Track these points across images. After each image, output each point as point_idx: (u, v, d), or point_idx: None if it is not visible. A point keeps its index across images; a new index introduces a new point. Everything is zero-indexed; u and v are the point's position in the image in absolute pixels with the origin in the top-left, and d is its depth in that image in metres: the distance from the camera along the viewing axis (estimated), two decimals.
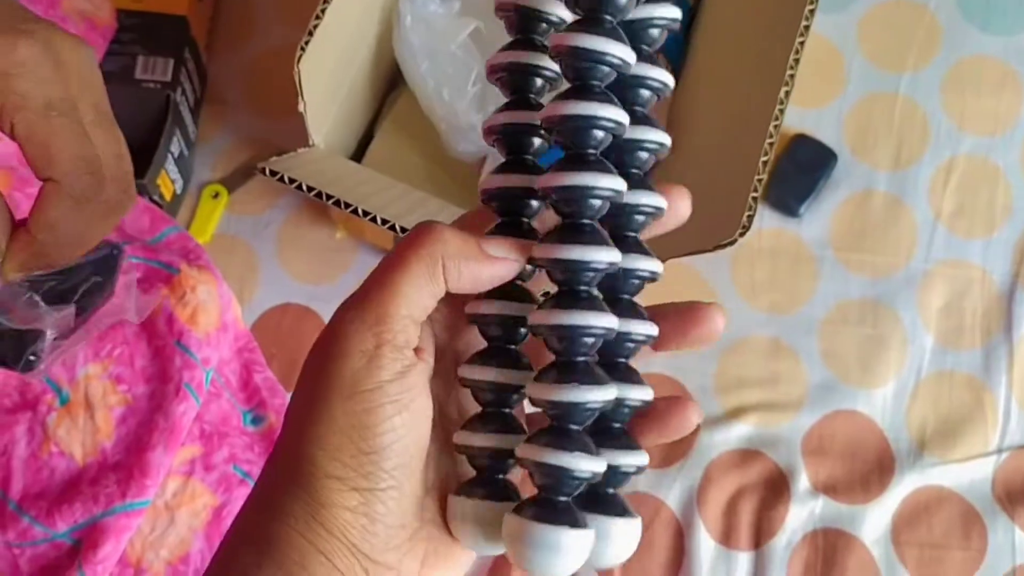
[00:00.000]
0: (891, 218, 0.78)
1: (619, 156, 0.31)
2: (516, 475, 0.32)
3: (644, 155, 0.32)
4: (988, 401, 0.73)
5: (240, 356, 0.68)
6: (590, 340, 0.29)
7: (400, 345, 0.28)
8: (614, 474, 0.30)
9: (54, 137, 0.40)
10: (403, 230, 0.55)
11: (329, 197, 0.55)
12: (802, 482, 0.70)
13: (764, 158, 0.55)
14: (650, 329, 0.31)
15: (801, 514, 0.69)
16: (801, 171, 0.78)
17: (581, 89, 0.29)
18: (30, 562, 0.58)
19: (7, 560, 0.58)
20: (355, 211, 0.55)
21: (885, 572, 0.68)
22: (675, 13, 0.31)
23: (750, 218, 0.54)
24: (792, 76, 0.57)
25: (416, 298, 0.29)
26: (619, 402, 0.30)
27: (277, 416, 0.66)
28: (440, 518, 0.31)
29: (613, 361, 0.31)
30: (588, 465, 0.28)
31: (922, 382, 0.73)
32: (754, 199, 0.55)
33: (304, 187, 0.56)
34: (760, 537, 0.69)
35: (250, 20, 0.84)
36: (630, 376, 0.31)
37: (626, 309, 0.31)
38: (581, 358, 0.29)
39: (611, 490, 0.30)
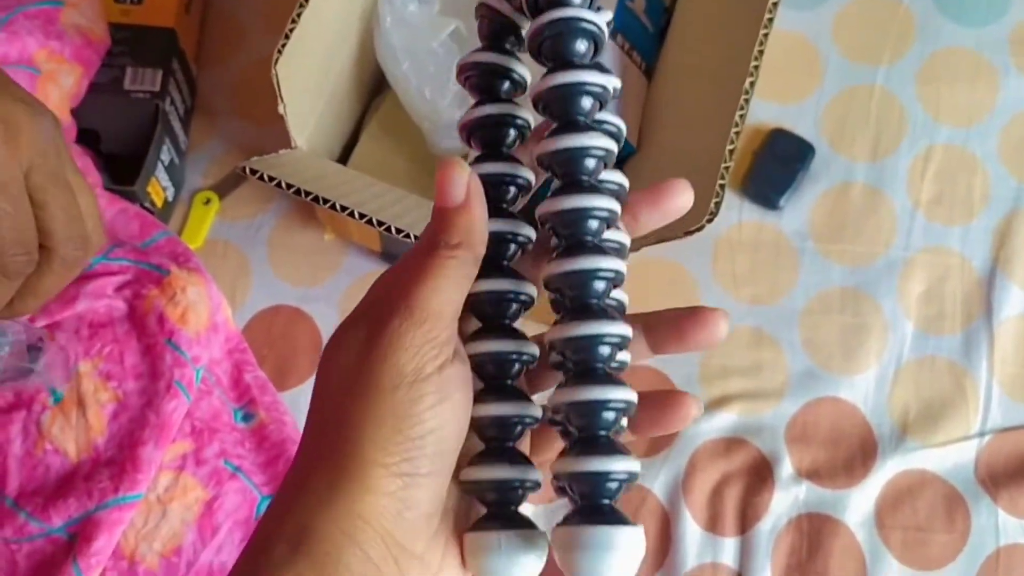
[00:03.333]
0: (870, 208, 0.79)
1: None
2: (525, 508, 0.33)
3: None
4: (969, 385, 0.74)
5: (231, 356, 0.70)
6: (607, 350, 0.30)
7: (443, 342, 0.30)
8: (608, 483, 0.30)
9: (44, 210, 0.44)
10: (380, 223, 0.56)
11: (308, 194, 0.57)
12: (786, 468, 0.71)
13: (730, 146, 0.57)
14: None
15: (786, 500, 0.70)
16: (780, 164, 0.79)
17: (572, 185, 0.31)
18: (27, 557, 0.60)
19: (5, 556, 0.60)
20: (333, 207, 0.57)
21: (870, 555, 0.69)
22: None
23: (717, 204, 0.55)
24: (756, 67, 0.59)
25: (456, 294, 0.31)
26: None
27: (267, 413, 0.67)
28: (455, 512, 0.32)
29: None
30: (625, 466, 0.29)
31: (903, 368, 0.74)
32: (721, 186, 0.56)
33: (283, 185, 0.58)
34: (745, 523, 0.70)
35: (238, 31, 0.86)
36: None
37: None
38: (600, 365, 0.30)
39: (607, 501, 0.30)
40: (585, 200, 0.30)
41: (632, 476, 0.30)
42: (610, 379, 0.30)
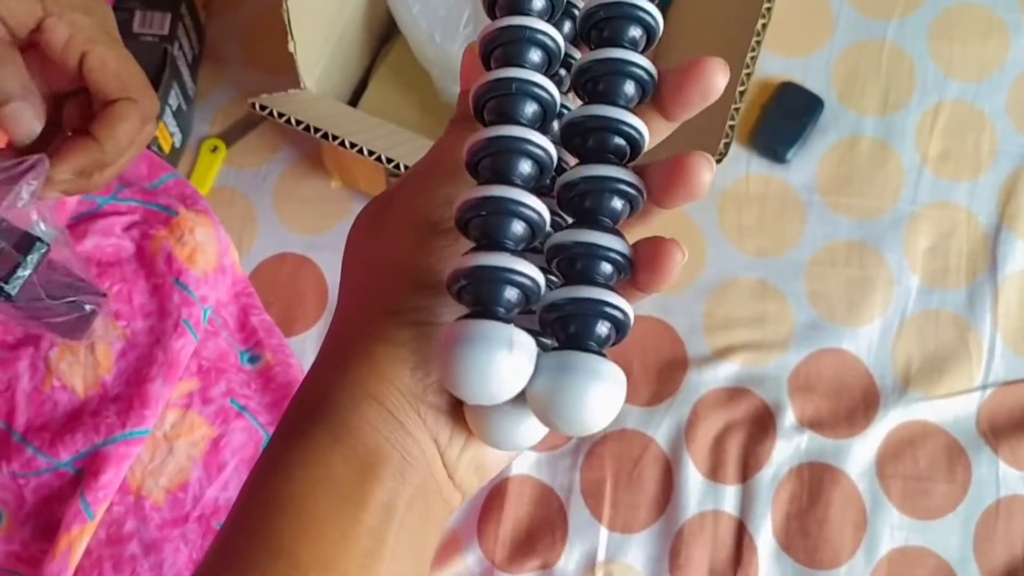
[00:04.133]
0: (878, 162, 0.79)
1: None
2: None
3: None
4: (973, 339, 0.74)
5: (237, 300, 0.70)
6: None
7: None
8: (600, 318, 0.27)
9: (126, 64, 0.49)
10: (389, 160, 0.56)
11: (317, 130, 0.57)
12: (788, 418, 0.71)
13: (741, 88, 0.57)
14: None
15: (787, 449, 0.70)
16: (788, 118, 0.79)
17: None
18: (34, 492, 0.60)
19: (12, 491, 0.60)
20: (343, 144, 0.57)
21: (870, 504, 0.69)
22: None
23: (727, 145, 0.55)
24: (769, 9, 0.58)
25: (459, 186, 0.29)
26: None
27: (273, 355, 0.68)
28: None
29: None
30: (618, 302, 0.27)
31: (907, 321, 0.75)
32: (731, 127, 0.56)
33: (293, 121, 0.58)
34: (747, 471, 0.70)
35: None
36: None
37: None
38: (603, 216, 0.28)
39: (594, 344, 0.27)
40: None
41: (623, 323, 0.27)
42: (608, 227, 0.28)
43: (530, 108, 0.29)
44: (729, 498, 0.69)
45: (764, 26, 0.59)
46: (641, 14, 0.29)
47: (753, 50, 0.59)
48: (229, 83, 0.84)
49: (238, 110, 0.83)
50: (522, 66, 0.29)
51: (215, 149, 0.81)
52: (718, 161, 0.55)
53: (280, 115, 0.58)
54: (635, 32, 0.29)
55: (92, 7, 0.49)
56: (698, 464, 0.70)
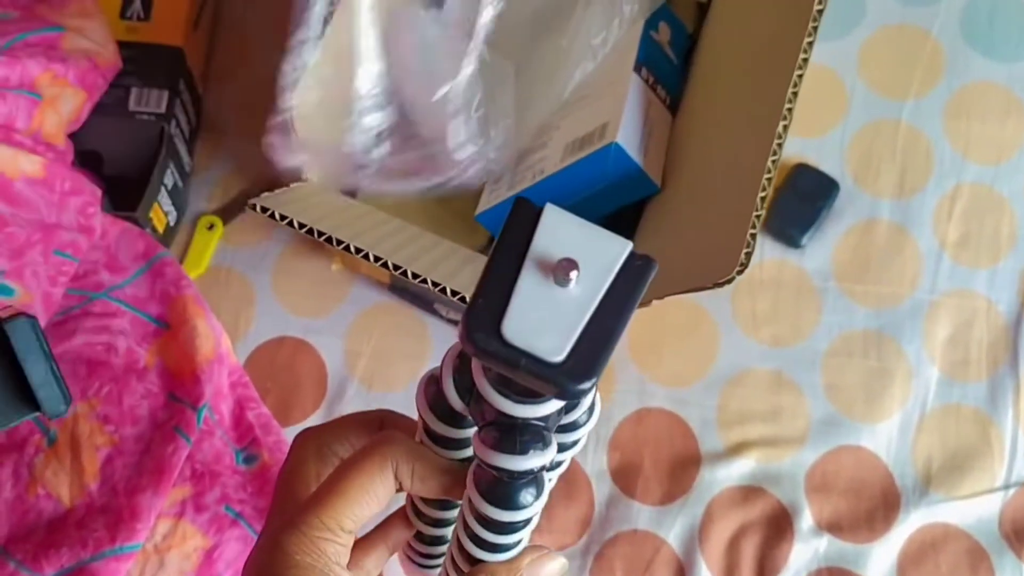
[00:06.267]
0: (895, 248, 0.77)
1: None
2: None
3: None
4: (995, 435, 0.71)
5: (233, 391, 0.67)
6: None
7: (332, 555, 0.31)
8: None
9: None
10: (396, 267, 0.54)
11: (321, 234, 0.54)
12: (806, 520, 0.69)
13: (762, 194, 0.54)
14: None
15: (805, 553, 0.68)
16: (803, 201, 0.77)
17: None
18: None
19: None
20: (347, 248, 0.54)
21: None
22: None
23: (748, 255, 0.53)
24: (790, 110, 0.56)
25: (365, 504, 0.32)
26: None
27: (270, 454, 0.65)
28: None
29: None
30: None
31: (927, 416, 0.72)
32: (752, 235, 0.53)
33: (296, 224, 0.55)
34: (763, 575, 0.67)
35: (247, 48, 0.83)
36: None
37: None
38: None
39: None
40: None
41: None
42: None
43: None
44: None
45: (790, 110, 0.57)
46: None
47: (780, 137, 0.56)
48: (227, 156, 0.81)
49: (236, 185, 0.80)
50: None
51: (211, 227, 0.78)
52: (739, 272, 0.53)
53: (283, 217, 0.55)
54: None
55: None
56: (712, 567, 0.67)
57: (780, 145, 0.56)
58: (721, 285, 0.53)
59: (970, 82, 0.81)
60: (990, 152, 0.79)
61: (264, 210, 0.55)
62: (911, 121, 0.80)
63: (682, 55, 0.75)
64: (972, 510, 0.69)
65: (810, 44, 0.58)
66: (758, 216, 0.54)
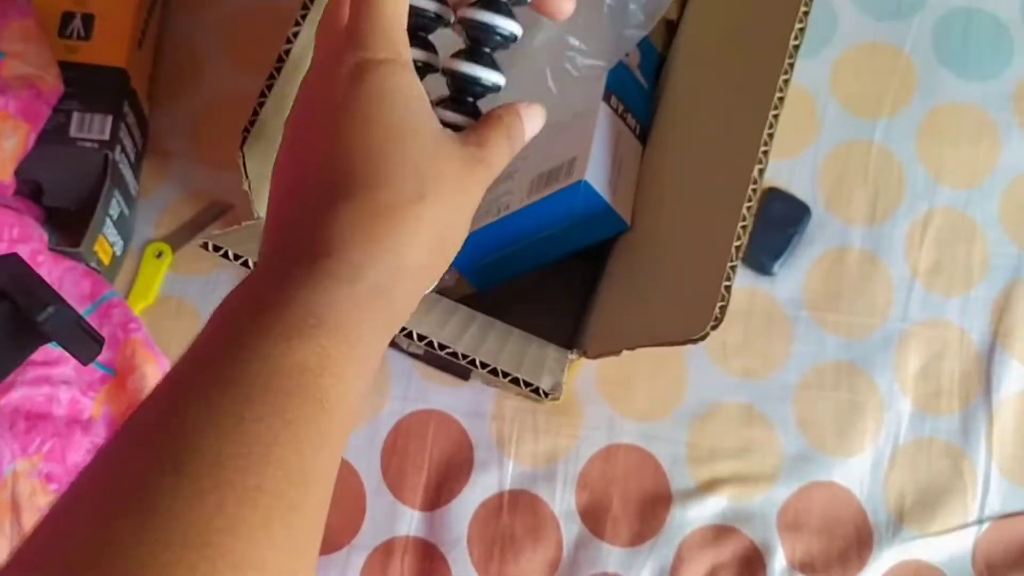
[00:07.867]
0: (866, 275, 0.75)
1: None
2: None
3: None
4: (967, 469, 0.71)
5: None
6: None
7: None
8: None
9: None
10: None
11: None
12: (778, 560, 0.67)
13: (737, 243, 0.52)
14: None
15: None
16: (775, 227, 0.75)
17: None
18: None
19: None
20: None
21: None
22: None
23: (723, 309, 0.51)
24: (766, 152, 0.54)
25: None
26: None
27: None
28: None
29: None
30: (507, 24, 0.38)
31: (899, 450, 0.71)
32: (727, 288, 0.51)
33: (251, 264, 0.52)
34: None
35: (195, 65, 0.79)
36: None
37: None
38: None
39: (471, 99, 0.40)
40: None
41: (513, 36, 0.39)
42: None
43: None
44: None
45: (765, 153, 0.54)
46: None
47: (760, 162, 0.54)
48: (175, 179, 0.77)
49: (185, 209, 0.77)
50: None
51: (160, 255, 0.74)
52: (713, 327, 0.50)
53: (236, 257, 0.52)
54: None
55: None
56: None
57: (755, 191, 0.53)
58: (695, 342, 0.51)
59: (943, 103, 0.80)
60: (962, 175, 0.78)
61: (217, 249, 0.52)
62: (883, 142, 0.78)
63: (652, 78, 0.73)
64: (945, 546, 0.69)
65: (791, 65, 0.55)
66: (732, 267, 0.52)
